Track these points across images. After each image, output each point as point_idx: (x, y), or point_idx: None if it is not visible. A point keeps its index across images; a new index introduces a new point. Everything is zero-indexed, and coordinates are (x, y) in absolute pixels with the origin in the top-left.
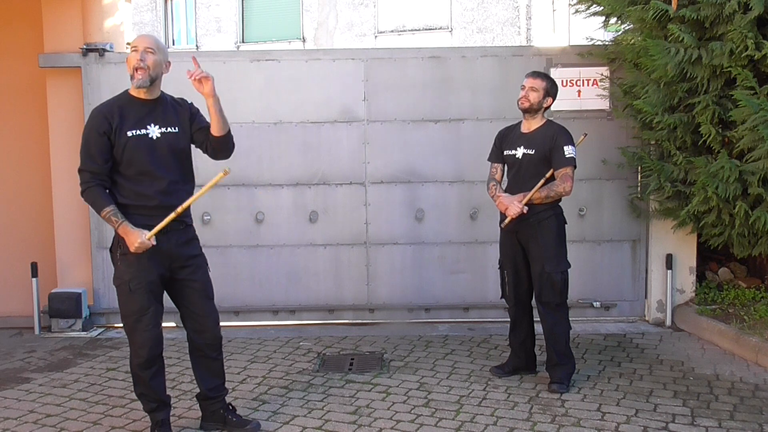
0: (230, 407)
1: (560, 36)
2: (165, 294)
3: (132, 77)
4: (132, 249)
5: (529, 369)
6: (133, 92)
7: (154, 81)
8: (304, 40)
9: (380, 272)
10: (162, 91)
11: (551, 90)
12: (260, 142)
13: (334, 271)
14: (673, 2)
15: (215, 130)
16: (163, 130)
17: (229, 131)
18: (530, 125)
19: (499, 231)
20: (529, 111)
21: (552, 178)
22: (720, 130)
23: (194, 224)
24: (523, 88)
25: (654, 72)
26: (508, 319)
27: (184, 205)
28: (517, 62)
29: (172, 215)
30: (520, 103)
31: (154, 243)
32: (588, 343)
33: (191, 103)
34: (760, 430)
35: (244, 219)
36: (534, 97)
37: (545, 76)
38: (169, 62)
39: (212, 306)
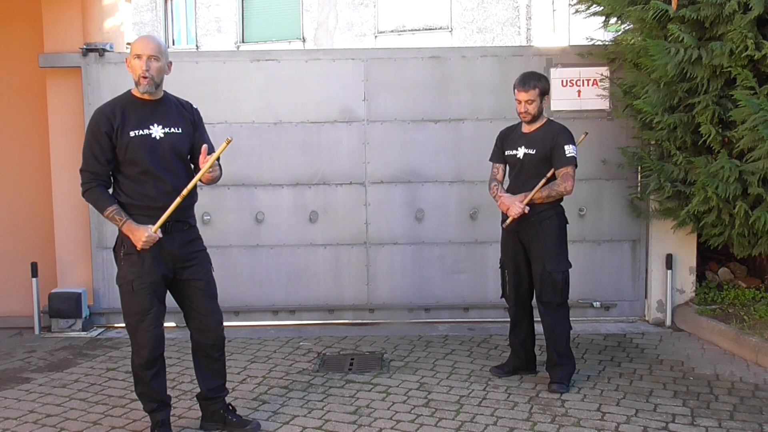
0: (230, 407)
1: (560, 36)
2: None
3: (137, 84)
4: (139, 245)
5: (529, 369)
6: (136, 92)
7: (158, 86)
8: (304, 40)
9: (380, 272)
10: (165, 92)
11: (545, 89)
12: (260, 142)
13: (334, 271)
14: (673, 2)
15: (205, 180)
16: (166, 130)
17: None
18: (531, 126)
19: (501, 231)
20: (532, 120)
21: (553, 177)
22: (720, 130)
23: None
24: (519, 102)
25: (654, 72)
26: (508, 319)
27: (189, 186)
28: (517, 62)
29: (178, 200)
30: (522, 117)
31: (161, 235)
32: (588, 343)
33: (196, 109)
34: (760, 430)
35: (244, 219)
36: (533, 108)
37: (535, 80)
38: (171, 62)
39: (216, 305)
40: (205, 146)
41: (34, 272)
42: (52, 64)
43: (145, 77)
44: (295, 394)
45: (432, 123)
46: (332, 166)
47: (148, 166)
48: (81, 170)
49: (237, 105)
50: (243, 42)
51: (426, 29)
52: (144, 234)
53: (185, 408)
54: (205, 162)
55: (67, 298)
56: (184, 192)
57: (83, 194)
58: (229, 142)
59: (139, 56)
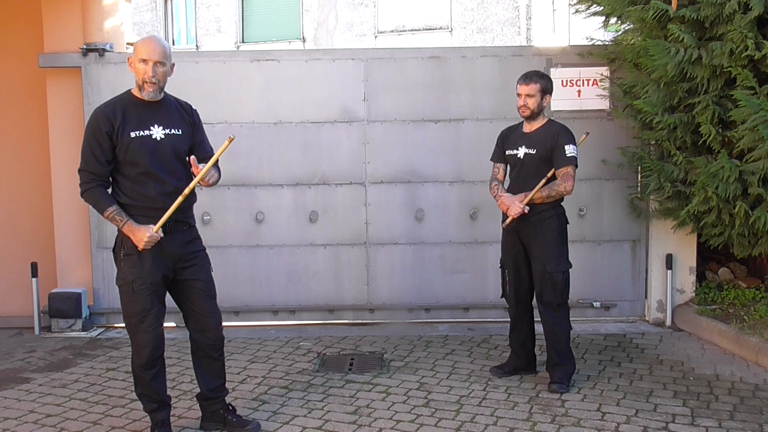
0: (230, 407)
1: (560, 36)
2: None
3: (141, 88)
4: (141, 246)
5: (529, 369)
6: (136, 92)
7: (162, 90)
8: (304, 40)
9: (380, 272)
10: (165, 92)
11: (547, 88)
12: (260, 142)
13: (334, 271)
14: (673, 2)
15: (204, 184)
16: (167, 131)
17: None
18: (532, 125)
19: (501, 231)
20: (531, 117)
21: (553, 177)
22: (720, 130)
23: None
24: (519, 96)
25: (654, 72)
26: (508, 319)
27: (188, 189)
28: (517, 62)
29: (180, 199)
30: (520, 112)
31: (162, 235)
32: (588, 343)
33: (196, 111)
34: (760, 430)
35: (244, 219)
36: (532, 103)
37: (538, 77)
38: (174, 64)
39: (215, 305)
40: (193, 157)
41: (34, 272)
42: (52, 64)
43: (151, 83)
44: (295, 394)
45: (432, 123)
46: (332, 166)
47: (149, 167)
48: (80, 170)
49: (237, 105)
50: (243, 42)
51: (426, 29)
52: (146, 234)
53: (185, 408)
54: (198, 171)
55: (67, 298)
56: (181, 198)
57: (82, 194)
58: (231, 140)
59: (145, 61)
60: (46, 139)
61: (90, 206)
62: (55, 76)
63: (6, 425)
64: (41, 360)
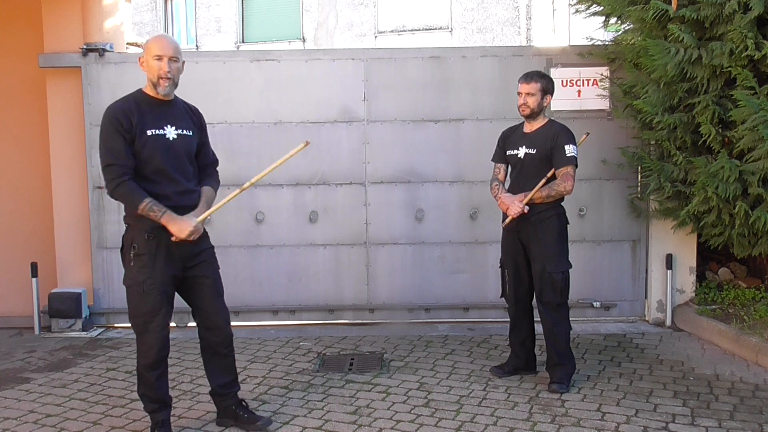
0: (243, 403)
1: (560, 36)
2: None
3: (156, 85)
4: (183, 236)
5: (529, 369)
6: (149, 91)
7: (175, 87)
8: (304, 40)
9: (380, 272)
10: (175, 94)
11: (548, 88)
12: (260, 142)
13: (334, 271)
14: (673, 2)
15: None
16: (179, 131)
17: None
18: (532, 125)
19: (501, 230)
20: (531, 116)
21: (553, 177)
22: (720, 130)
23: None
24: (520, 95)
25: (654, 72)
26: (508, 319)
27: (253, 180)
28: (517, 62)
29: (237, 191)
30: (520, 110)
31: (202, 228)
32: (588, 343)
33: (201, 114)
34: (760, 430)
35: (244, 219)
36: (533, 101)
37: (539, 76)
38: (184, 61)
39: (222, 303)
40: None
41: (34, 272)
42: (52, 64)
43: (166, 78)
44: (295, 394)
45: (432, 123)
46: (332, 166)
47: (163, 166)
48: (107, 166)
49: (237, 105)
50: (243, 42)
51: (426, 29)
52: (190, 225)
53: (185, 408)
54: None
55: (67, 298)
56: (238, 191)
57: (113, 191)
58: (306, 144)
59: (159, 57)
60: (46, 139)
61: (90, 206)
62: (55, 76)
63: (6, 425)
64: (41, 360)
